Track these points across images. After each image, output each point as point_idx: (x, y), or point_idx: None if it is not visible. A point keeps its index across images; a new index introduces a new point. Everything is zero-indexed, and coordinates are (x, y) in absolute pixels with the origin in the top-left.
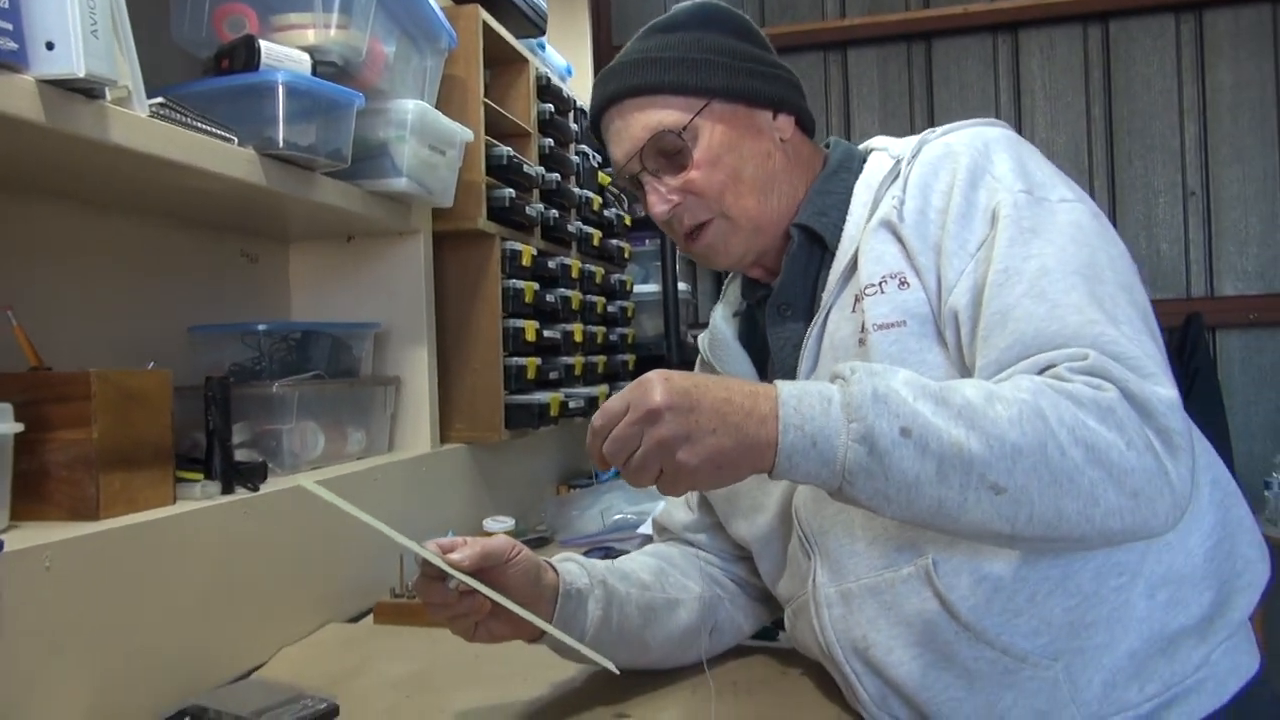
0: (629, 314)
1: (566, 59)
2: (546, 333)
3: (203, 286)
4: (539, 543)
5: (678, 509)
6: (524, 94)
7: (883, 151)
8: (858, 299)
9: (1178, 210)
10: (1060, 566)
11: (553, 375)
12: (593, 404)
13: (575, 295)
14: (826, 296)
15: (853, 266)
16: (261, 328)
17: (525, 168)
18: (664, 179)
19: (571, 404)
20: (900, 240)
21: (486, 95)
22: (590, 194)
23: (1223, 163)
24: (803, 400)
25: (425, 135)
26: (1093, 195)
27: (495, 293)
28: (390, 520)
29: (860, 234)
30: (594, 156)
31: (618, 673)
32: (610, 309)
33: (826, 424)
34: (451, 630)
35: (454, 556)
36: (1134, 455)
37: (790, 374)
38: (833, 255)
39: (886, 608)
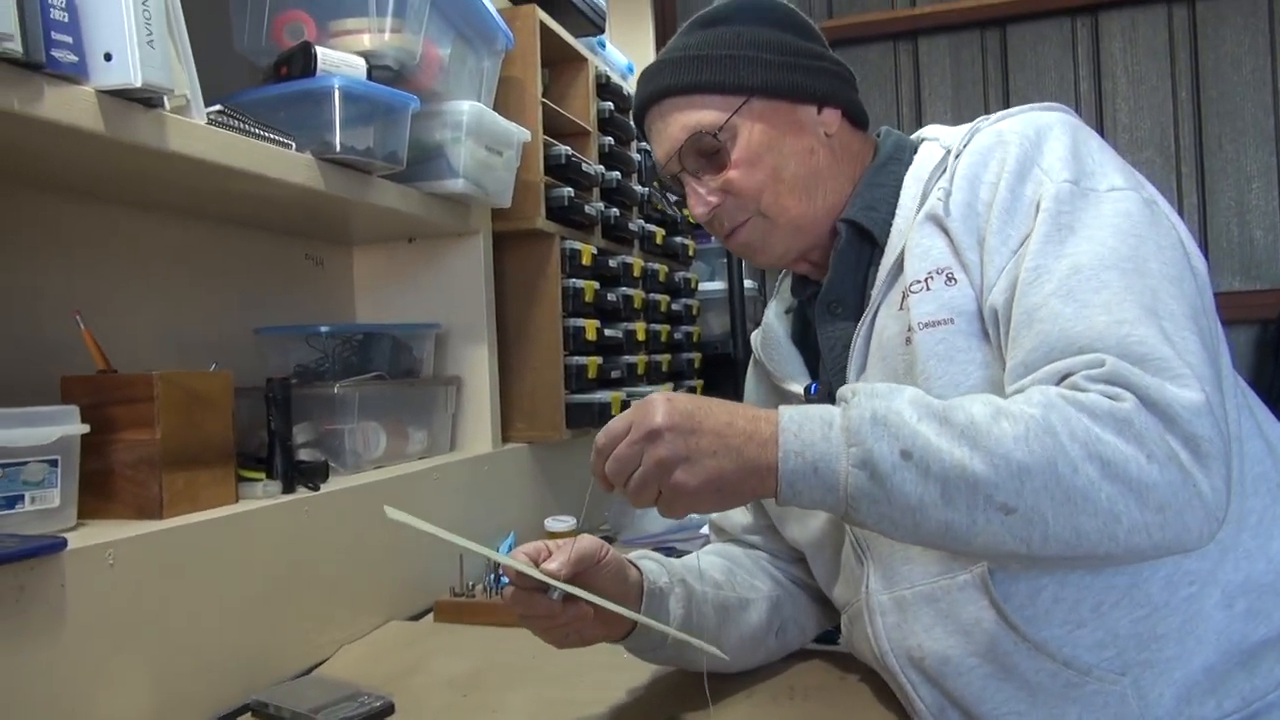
0: (694, 312)
1: (629, 56)
2: (608, 331)
3: (270, 289)
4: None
5: (735, 511)
6: (583, 93)
7: (934, 141)
8: (905, 296)
9: (1272, 195)
10: (1127, 575)
11: (615, 374)
12: None
13: (638, 294)
14: (875, 294)
15: (901, 262)
16: (324, 329)
17: (584, 166)
18: (703, 179)
19: (634, 402)
20: (947, 234)
21: (545, 95)
22: (653, 191)
23: None
24: (803, 426)
25: (482, 136)
26: (1180, 182)
27: (555, 292)
28: (453, 519)
29: (908, 228)
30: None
31: (726, 658)
32: (675, 307)
33: (827, 449)
34: (544, 639)
35: (550, 566)
36: (1155, 468)
37: (840, 374)
38: (882, 251)
39: (942, 616)
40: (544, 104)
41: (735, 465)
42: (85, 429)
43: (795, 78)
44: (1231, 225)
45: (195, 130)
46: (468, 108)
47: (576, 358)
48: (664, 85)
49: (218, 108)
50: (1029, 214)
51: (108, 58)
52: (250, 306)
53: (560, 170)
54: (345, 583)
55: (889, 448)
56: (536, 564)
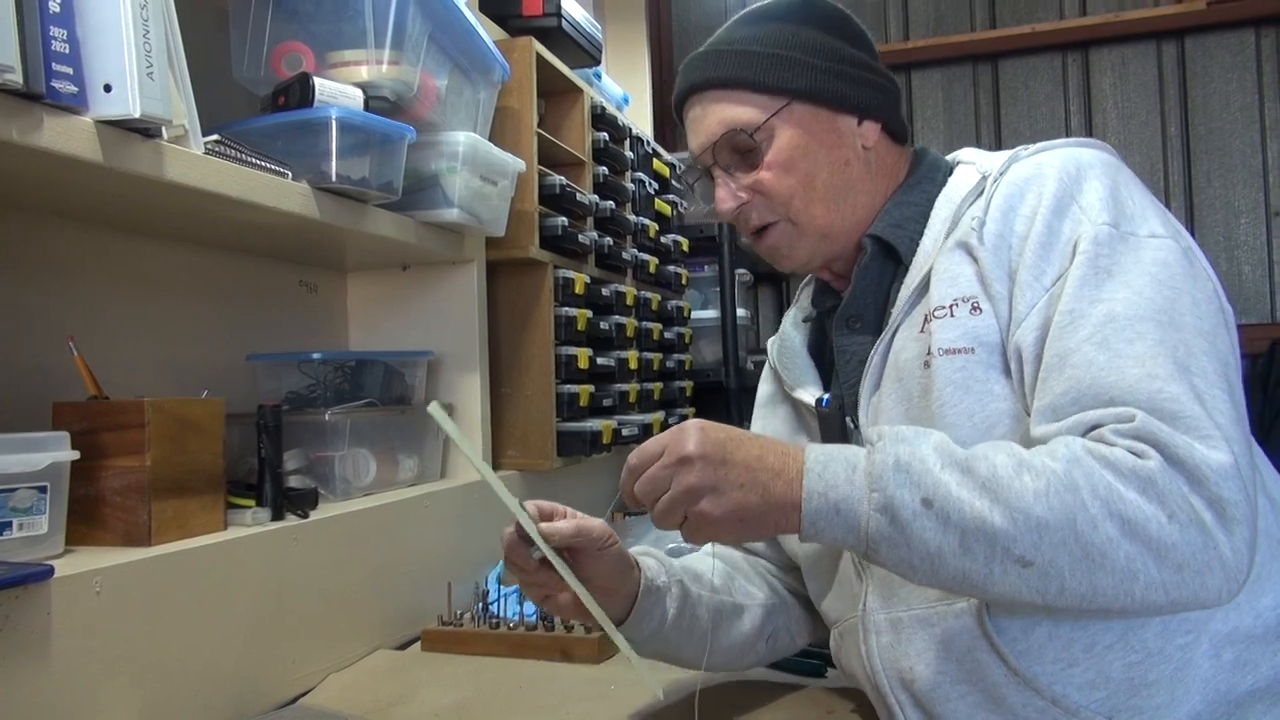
0: (686, 340)
1: (625, 88)
2: (600, 360)
3: (263, 315)
4: None
5: None
6: (578, 123)
7: (970, 165)
8: (927, 319)
9: (1260, 231)
10: (1123, 619)
11: (606, 402)
12: (647, 431)
13: (630, 322)
14: (896, 313)
15: (925, 284)
16: (316, 356)
17: (579, 196)
18: (735, 175)
19: (625, 431)
20: (976, 262)
21: (540, 125)
22: (646, 221)
23: None
24: (828, 466)
25: (477, 166)
26: None
27: (548, 320)
28: (444, 547)
29: (936, 251)
30: (650, 184)
31: (660, 695)
32: (667, 335)
33: (850, 492)
34: (525, 594)
35: (546, 526)
36: (1176, 529)
37: (853, 389)
38: (906, 270)
39: (936, 641)
40: (539, 134)
41: (761, 500)
42: (75, 455)
43: (840, 86)
44: (1220, 260)
45: (193, 160)
46: (464, 138)
47: (568, 386)
48: (708, 76)
49: (215, 137)
50: (1065, 253)
51: (107, 89)
52: (243, 332)
53: (554, 200)
54: (333, 611)
55: (910, 495)
56: (542, 519)
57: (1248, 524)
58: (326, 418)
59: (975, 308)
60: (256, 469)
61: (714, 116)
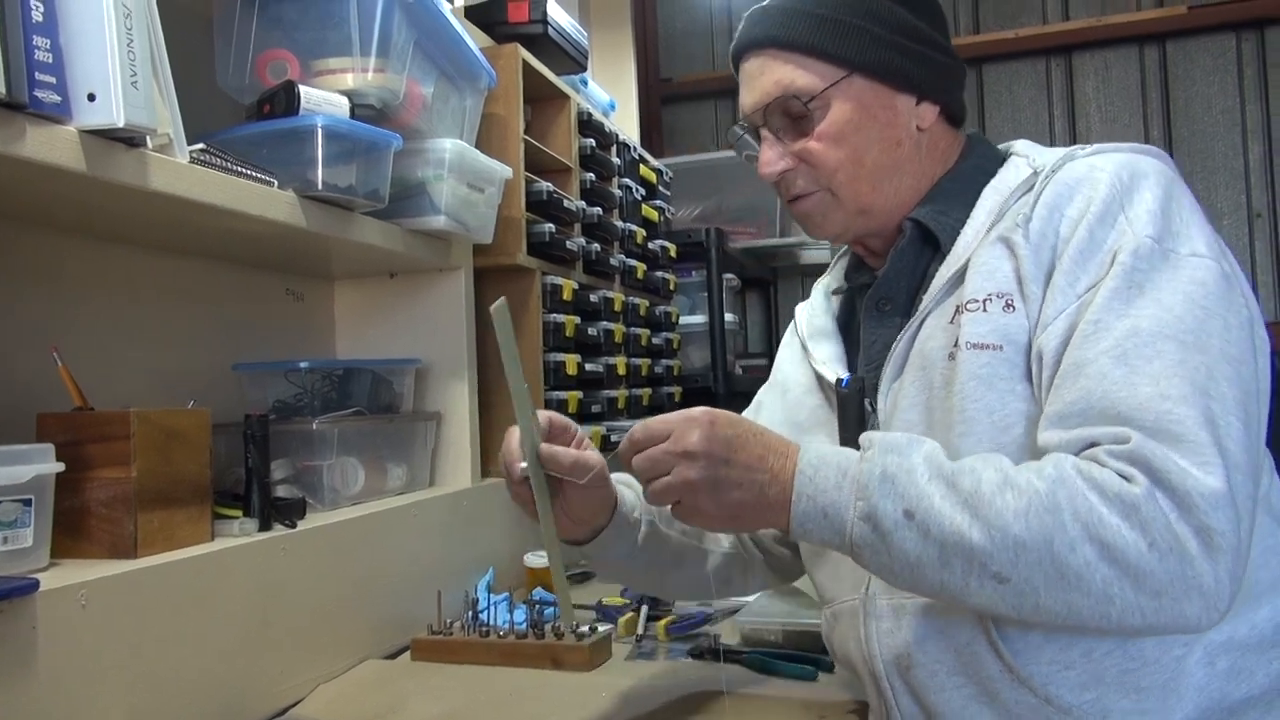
0: (675, 345)
1: (611, 94)
2: (589, 366)
3: (249, 324)
4: (582, 577)
5: None
6: (565, 130)
7: (1022, 159)
8: (959, 310)
9: (1243, 232)
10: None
11: (595, 409)
12: None
13: (618, 328)
14: (927, 301)
15: (961, 275)
16: (303, 365)
17: (566, 203)
18: (783, 139)
19: (614, 438)
20: (1016, 259)
21: (527, 132)
22: (633, 227)
23: None
24: (819, 470)
25: (464, 173)
26: None
27: (536, 327)
28: (433, 555)
29: (977, 242)
30: (637, 189)
31: (571, 629)
32: (655, 341)
33: (838, 498)
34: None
35: (547, 448)
36: (1155, 557)
37: (875, 372)
38: (943, 257)
39: (937, 631)
40: (526, 141)
41: (755, 500)
42: (60, 467)
43: (904, 63)
44: None
45: (177, 169)
46: (450, 145)
47: (557, 392)
48: (771, 34)
49: (200, 146)
50: (1103, 262)
51: (91, 98)
52: (229, 341)
53: (542, 206)
54: (321, 621)
55: (893, 506)
56: (553, 433)
57: (1233, 554)
58: (314, 427)
59: (1009, 305)
60: (243, 479)
61: (770, 76)
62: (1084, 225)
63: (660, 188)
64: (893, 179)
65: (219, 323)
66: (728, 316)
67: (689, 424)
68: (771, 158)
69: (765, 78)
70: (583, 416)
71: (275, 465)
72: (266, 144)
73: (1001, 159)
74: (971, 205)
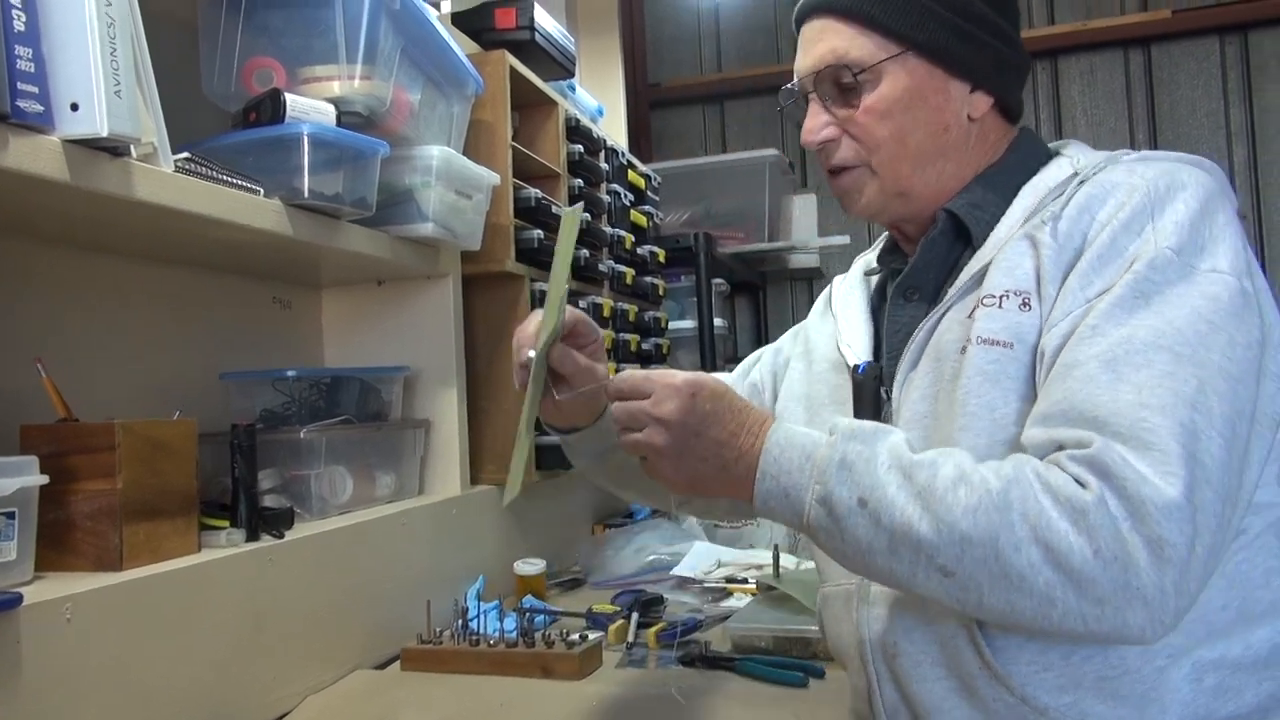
0: (664, 351)
1: (599, 99)
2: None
3: (236, 333)
4: (572, 584)
5: (724, 377)
6: (553, 135)
7: (1067, 159)
8: (977, 305)
9: None
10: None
11: None
12: None
13: (607, 334)
14: (951, 294)
15: (986, 270)
16: (291, 374)
17: (554, 209)
18: (831, 108)
19: None
20: (1038, 258)
21: (515, 138)
22: (622, 232)
23: (1274, 185)
24: (785, 451)
25: (451, 180)
26: None
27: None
28: (422, 563)
29: (1008, 239)
30: (625, 195)
31: (506, 502)
32: (645, 346)
33: (799, 479)
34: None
35: (559, 347)
36: (1099, 564)
37: (894, 361)
38: (974, 252)
39: (925, 622)
40: (514, 147)
41: (716, 473)
42: (44, 480)
43: (962, 49)
44: None
45: (162, 178)
46: (438, 153)
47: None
48: (832, 0)
49: (185, 155)
50: (1120, 269)
51: (74, 107)
52: (216, 350)
53: (530, 213)
54: (310, 632)
55: (848, 493)
56: (572, 336)
57: (1181, 567)
58: (301, 436)
59: (1026, 304)
60: (231, 489)
61: (826, 43)
62: (1108, 230)
63: (649, 193)
64: (935, 164)
65: (206, 332)
66: (717, 321)
67: (669, 391)
68: (816, 125)
69: (821, 44)
70: None
71: (263, 475)
72: (252, 152)
73: (1047, 157)
74: (1009, 201)
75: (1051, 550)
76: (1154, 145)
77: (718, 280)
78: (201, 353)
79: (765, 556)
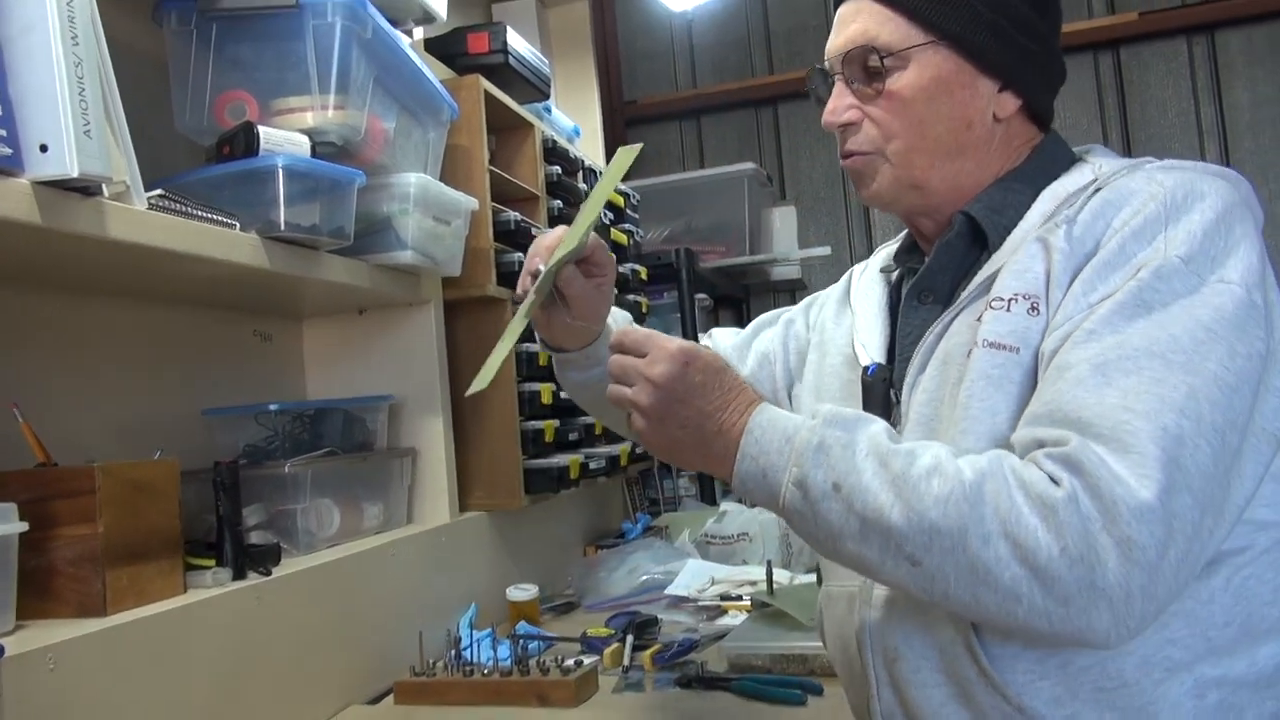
0: None
1: (575, 120)
2: (564, 394)
3: (217, 368)
4: (565, 608)
5: (730, 336)
6: (530, 157)
7: (1089, 165)
8: (987, 308)
9: None
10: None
11: (572, 436)
12: (614, 463)
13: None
14: (963, 297)
15: (997, 275)
16: (273, 408)
17: (534, 231)
18: (855, 90)
19: (592, 465)
20: (1049, 261)
21: (492, 161)
22: None
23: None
24: (767, 432)
25: (429, 207)
26: None
27: (509, 357)
28: (413, 593)
29: (1021, 243)
30: (605, 214)
31: (473, 390)
32: None
33: (778, 461)
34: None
35: (570, 269)
36: (1065, 563)
37: (904, 364)
38: (990, 257)
39: (924, 627)
40: (491, 171)
41: (695, 444)
42: (24, 527)
43: (995, 45)
44: None
45: (135, 216)
46: (414, 179)
47: (533, 422)
48: None
49: (158, 192)
50: (1126, 275)
51: (44, 149)
52: (198, 387)
53: (510, 235)
54: (301, 669)
55: (823, 476)
56: (586, 264)
57: (1150, 571)
58: (286, 470)
59: (1034, 308)
60: (216, 527)
61: (858, 24)
62: (1118, 237)
63: (628, 211)
64: (954, 161)
65: (187, 368)
66: (702, 339)
67: (663, 355)
68: (839, 106)
69: (853, 25)
70: (560, 445)
71: (248, 511)
72: (227, 186)
73: (1070, 162)
74: (1028, 206)
75: (1020, 546)
76: (1127, 146)
77: (701, 295)
78: (183, 389)
79: (759, 573)
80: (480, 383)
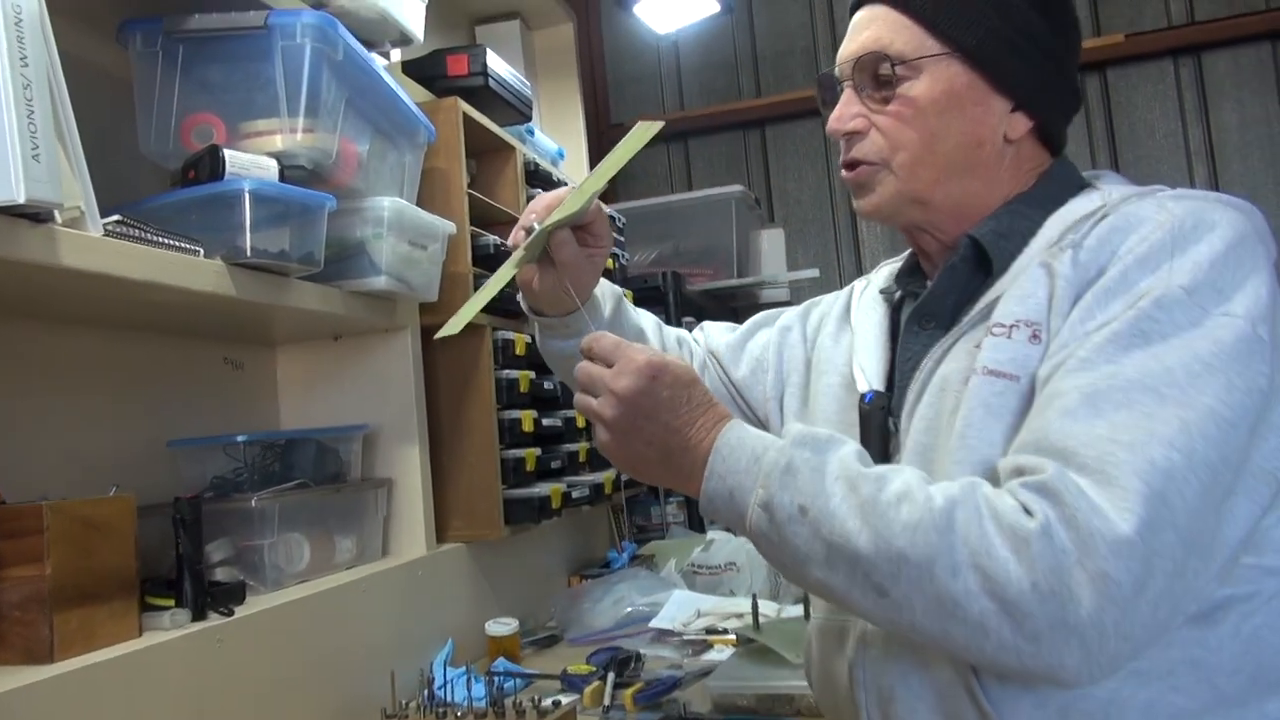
0: None
1: (560, 142)
2: (546, 421)
3: (185, 397)
4: (548, 641)
5: (724, 332)
6: (512, 180)
7: (1098, 192)
8: (986, 335)
9: None
10: (1107, 691)
11: (555, 464)
12: (598, 491)
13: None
14: (964, 323)
15: (998, 300)
16: (240, 439)
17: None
18: (864, 99)
19: (575, 494)
20: (1052, 287)
21: (473, 184)
22: None
23: None
24: (735, 450)
25: (404, 231)
26: None
27: (488, 384)
28: (387, 630)
29: (1025, 268)
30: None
31: (442, 334)
32: None
33: (745, 481)
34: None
35: (563, 233)
36: (1036, 598)
37: (901, 393)
38: (994, 283)
39: (921, 666)
40: (470, 194)
41: (659, 461)
42: None
43: (1011, 64)
44: None
45: (90, 243)
46: (388, 204)
47: (513, 450)
48: None
49: (116, 218)
50: (1127, 304)
51: None
52: (164, 417)
53: (489, 260)
54: (264, 715)
55: (790, 499)
56: (584, 234)
57: (1125, 607)
58: (253, 503)
59: (1035, 336)
60: (176, 565)
61: (871, 31)
62: (1122, 263)
63: (614, 234)
64: (961, 180)
65: (153, 398)
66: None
67: (630, 368)
68: (845, 114)
69: (867, 31)
70: (542, 474)
71: (213, 546)
72: (193, 211)
73: (1079, 188)
74: (1034, 233)
75: (989, 578)
76: (1116, 167)
77: (688, 319)
78: (148, 420)
79: (745, 605)
80: (452, 327)
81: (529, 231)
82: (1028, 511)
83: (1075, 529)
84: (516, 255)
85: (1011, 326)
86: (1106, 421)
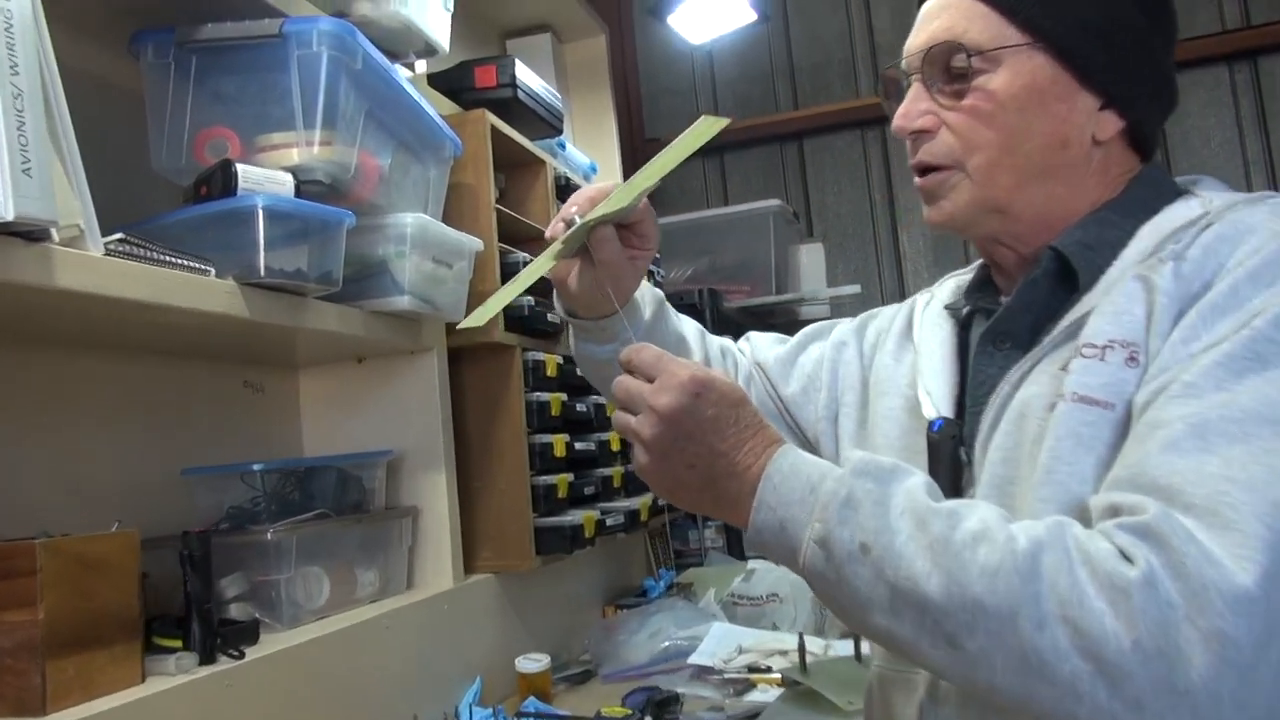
0: None
1: (594, 156)
2: (579, 445)
3: (203, 423)
4: (582, 677)
5: (773, 344)
6: (542, 195)
7: (1197, 199)
8: (1074, 356)
9: None
10: None
11: (588, 490)
12: (634, 518)
13: (610, 402)
14: (1046, 343)
15: (1087, 317)
16: (257, 467)
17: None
18: (935, 94)
19: (609, 521)
20: (1151, 303)
21: (501, 199)
22: None
23: None
24: (789, 479)
25: (428, 249)
26: None
27: (518, 407)
28: (411, 669)
29: (1117, 281)
30: None
31: (465, 325)
32: None
33: (799, 513)
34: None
35: (606, 229)
36: (1138, 658)
37: (975, 419)
38: (1080, 298)
39: None
40: (498, 210)
41: (702, 486)
42: None
43: (1102, 57)
44: None
45: (89, 263)
46: (412, 220)
47: (545, 476)
48: None
49: (119, 236)
50: (1238, 323)
51: None
52: (183, 443)
53: None
54: None
55: (850, 535)
56: (624, 229)
57: (1242, 673)
58: (269, 536)
59: (1133, 358)
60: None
61: (944, 19)
62: (1232, 276)
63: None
64: (1044, 184)
65: (167, 424)
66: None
67: (672, 383)
68: (913, 111)
69: (938, 20)
70: (575, 500)
71: (227, 581)
72: (205, 229)
73: (1175, 195)
74: (1125, 244)
75: (1082, 633)
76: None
77: (726, 337)
78: (163, 448)
79: (790, 640)
80: (476, 319)
81: (569, 224)
82: (1127, 558)
83: (1184, 579)
84: (554, 248)
85: (1105, 347)
86: (1218, 457)
